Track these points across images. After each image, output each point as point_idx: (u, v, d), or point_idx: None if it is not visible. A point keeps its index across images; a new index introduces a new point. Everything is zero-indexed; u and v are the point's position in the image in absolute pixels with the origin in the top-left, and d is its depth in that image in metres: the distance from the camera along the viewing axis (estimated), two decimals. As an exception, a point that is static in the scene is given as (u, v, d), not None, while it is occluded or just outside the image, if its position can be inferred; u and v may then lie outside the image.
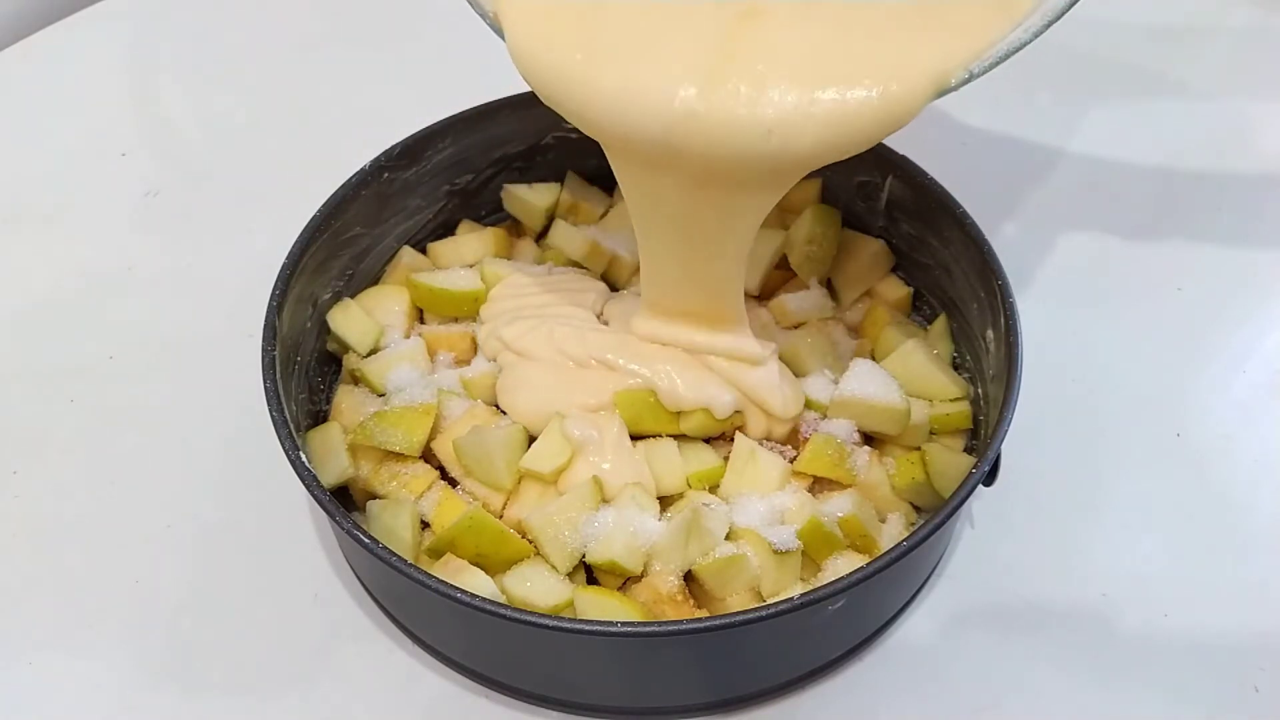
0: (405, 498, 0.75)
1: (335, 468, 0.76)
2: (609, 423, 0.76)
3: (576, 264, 0.88)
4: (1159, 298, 0.95)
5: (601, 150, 0.70)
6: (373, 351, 0.83)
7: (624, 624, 0.64)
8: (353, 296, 0.86)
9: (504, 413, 0.79)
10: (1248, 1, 1.21)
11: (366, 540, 0.65)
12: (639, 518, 0.72)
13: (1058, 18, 0.63)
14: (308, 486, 0.69)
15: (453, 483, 0.77)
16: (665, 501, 0.75)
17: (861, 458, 0.77)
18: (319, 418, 0.82)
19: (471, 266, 0.87)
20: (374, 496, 0.76)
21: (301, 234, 0.79)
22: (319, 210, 0.81)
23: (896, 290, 0.88)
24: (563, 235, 0.89)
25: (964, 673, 0.74)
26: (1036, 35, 0.63)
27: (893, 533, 0.75)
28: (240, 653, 0.75)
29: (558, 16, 0.67)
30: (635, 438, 0.77)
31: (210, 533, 0.81)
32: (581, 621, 0.66)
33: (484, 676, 0.74)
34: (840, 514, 0.73)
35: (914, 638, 0.76)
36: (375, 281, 0.88)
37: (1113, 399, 0.88)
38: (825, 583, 0.67)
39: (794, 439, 0.79)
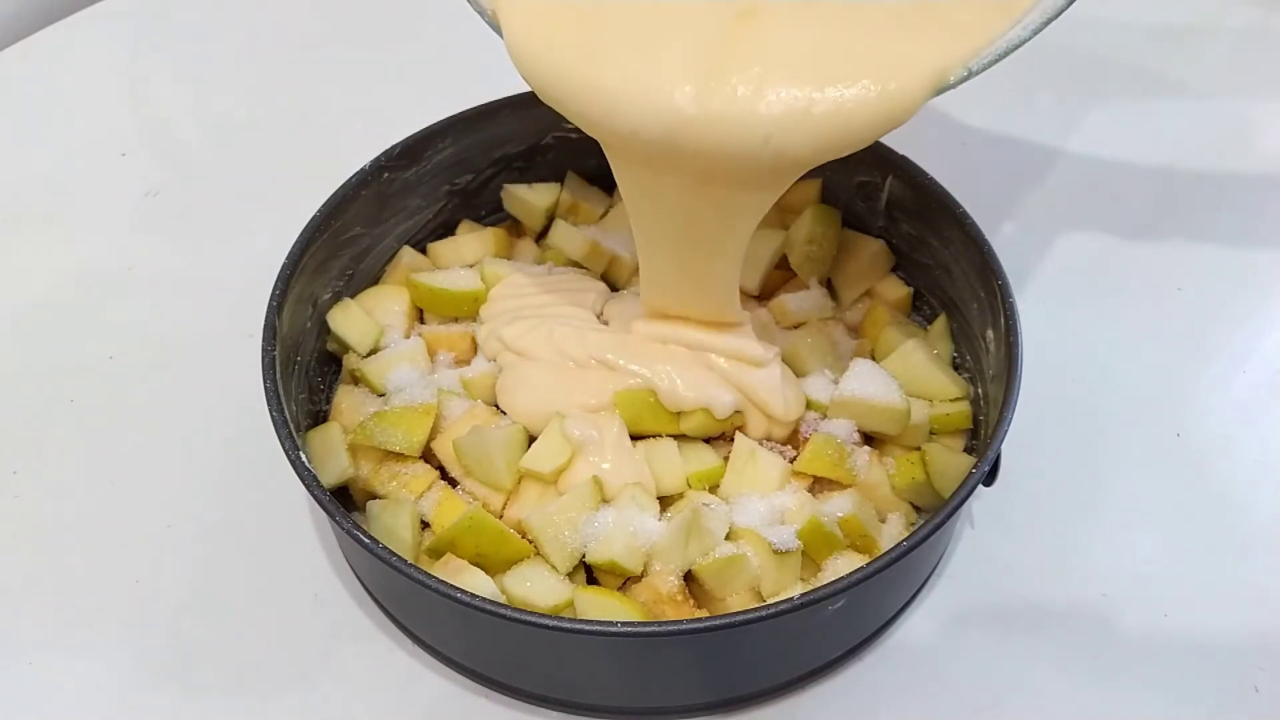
0: (405, 498, 0.75)
1: (335, 468, 0.76)
2: (609, 423, 0.76)
3: (576, 264, 0.88)
4: (1159, 298, 0.95)
5: (602, 150, 0.70)
6: (373, 351, 0.83)
7: (624, 624, 0.64)
8: (353, 296, 0.86)
9: (504, 413, 0.79)
10: (1248, 1, 1.21)
11: (366, 540, 0.65)
12: (639, 518, 0.72)
13: (1056, 15, 0.63)
14: (308, 486, 0.69)
15: (453, 483, 0.77)
16: (665, 501, 0.75)
17: (861, 458, 0.77)
18: (319, 418, 0.82)
19: (471, 266, 0.87)
20: (374, 496, 0.76)
21: (301, 234, 0.79)
22: (319, 210, 0.81)
23: (896, 290, 0.88)
24: (563, 235, 0.89)
25: (964, 673, 0.74)
26: (1035, 33, 0.63)
27: (893, 533, 0.75)
28: (240, 653, 0.75)
29: (556, 14, 0.67)
30: (635, 438, 0.77)
31: (210, 533, 0.81)
32: (581, 621, 0.66)
33: (484, 676, 0.74)
34: (840, 514, 0.73)
35: (914, 638, 0.76)
36: (375, 281, 0.88)
37: (1113, 399, 0.88)
38: (825, 583, 0.67)
39: (794, 439, 0.79)
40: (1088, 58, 1.14)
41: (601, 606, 0.69)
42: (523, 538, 0.72)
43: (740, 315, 0.78)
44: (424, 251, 0.90)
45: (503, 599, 0.69)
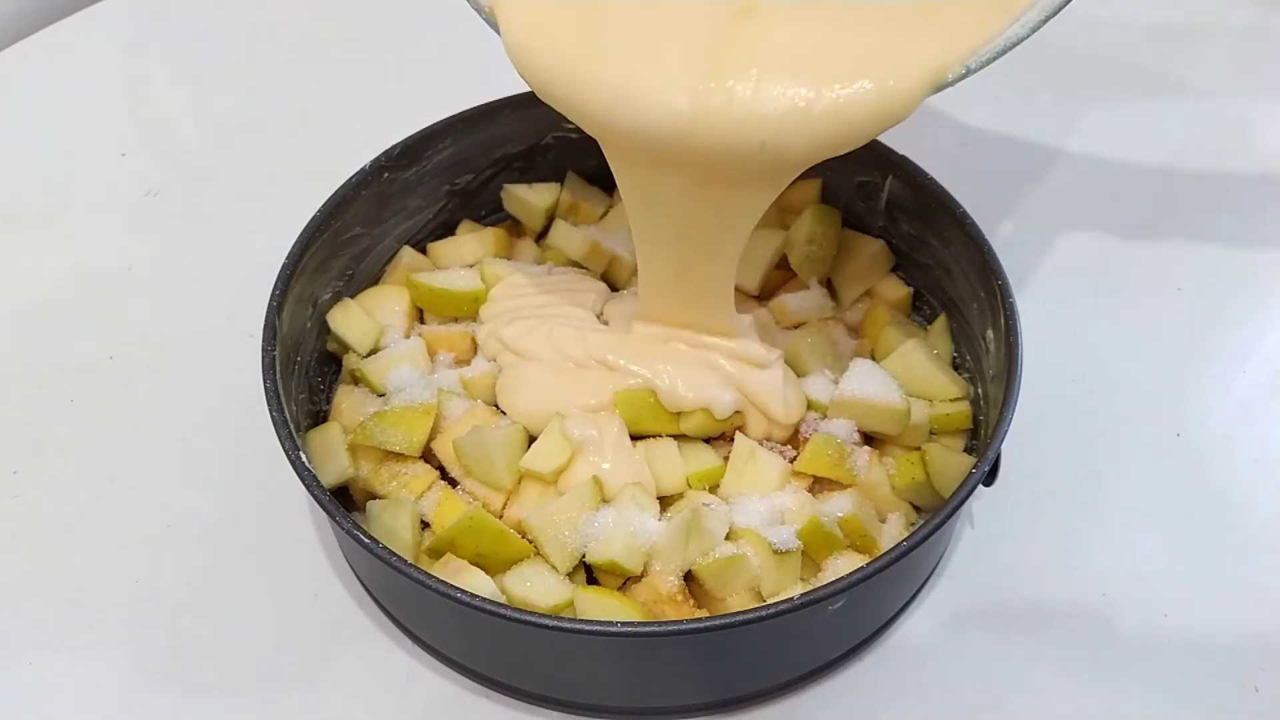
0: (405, 498, 0.75)
1: (335, 468, 0.76)
2: (609, 423, 0.76)
3: (576, 264, 0.88)
4: (1159, 298, 0.95)
5: (602, 150, 0.70)
6: (373, 351, 0.83)
7: (624, 624, 0.64)
8: (353, 296, 0.86)
9: (504, 413, 0.79)
10: (1248, 1, 1.21)
11: (366, 540, 0.65)
12: (639, 518, 0.72)
13: (1054, 13, 0.63)
14: (308, 486, 0.69)
15: (453, 483, 0.77)
16: (665, 501, 0.75)
17: (861, 458, 0.77)
18: (319, 418, 0.82)
19: (471, 266, 0.87)
20: (374, 496, 0.76)
21: (301, 234, 0.79)
22: (319, 210, 0.81)
23: (896, 290, 0.88)
24: (563, 235, 0.89)
25: (964, 673, 0.74)
26: (1033, 30, 0.63)
27: (893, 533, 0.75)
28: (240, 653, 0.75)
29: (554, 12, 0.67)
30: (635, 438, 0.77)
31: (210, 533, 0.81)
32: (581, 621, 0.66)
33: (484, 676, 0.74)
34: (840, 514, 0.73)
35: (914, 638, 0.76)
36: (375, 281, 0.88)
37: (1113, 399, 0.88)
38: (825, 583, 0.67)
39: (794, 439, 0.79)
40: (1088, 58, 1.14)
41: (601, 606, 0.69)
42: (523, 538, 0.72)
43: (734, 323, 0.77)
44: (424, 251, 0.90)
45: (503, 599, 0.69)
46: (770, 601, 0.66)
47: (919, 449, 0.78)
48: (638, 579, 0.72)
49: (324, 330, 0.84)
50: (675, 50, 0.64)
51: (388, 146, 0.84)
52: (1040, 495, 0.82)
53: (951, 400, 0.80)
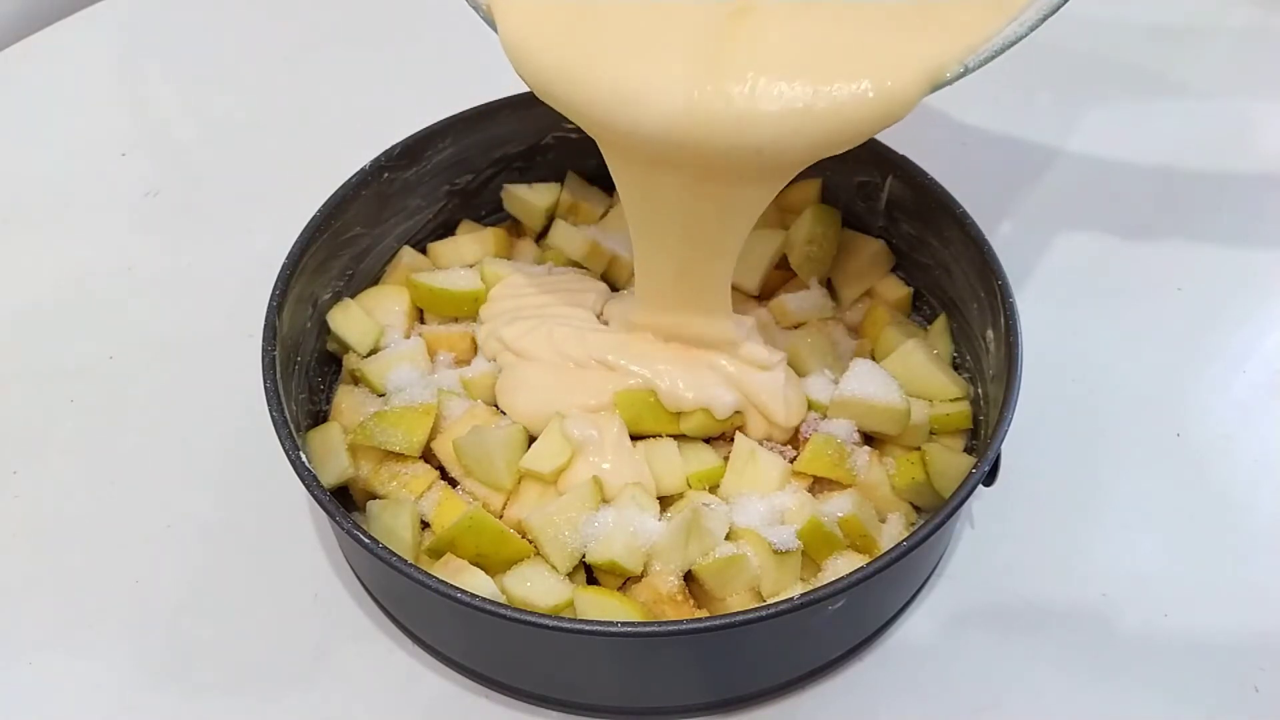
0: (405, 498, 0.75)
1: (335, 468, 0.76)
2: (609, 423, 0.76)
3: (576, 264, 0.88)
4: (1159, 298, 0.95)
5: (600, 150, 0.70)
6: (373, 351, 0.83)
7: (624, 624, 0.64)
8: (353, 296, 0.86)
9: (504, 413, 0.79)
10: (1248, 1, 1.21)
11: (366, 540, 0.65)
12: (639, 518, 0.72)
13: (1052, 12, 0.63)
14: (308, 486, 0.69)
15: (453, 483, 0.77)
16: (665, 501, 0.75)
17: (861, 458, 0.77)
18: (319, 418, 0.82)
19: (471, 266, 0.87)
20: (374, 496, 0.76)
21: (301, 234, 0.79)
22: (319, 210, 0.81)
23: (896, 290, 0.88)
24: (563, 235, 0.89)
25: (964, 673, 0.74)
26: (1031, 30, 0.63)
27: (893, 533, 0.75)
28: (240, 653, 0.75)
29: (551, 10, 0.67)
30: (635, 438, 0.77)
31: (210, 533, 0.81)
32: (581, 621, 0.66)
33: (484, 676, 0.74)
34: (840, 514, 0.73)
35: (914, 638, 0.76)
36: (375, 281, 0.88)
37: (1113, 399, 0.88)
38: (825, 583, 0.67)
39: (794, 439, 0.79)
40: (1088, 57, 1.14)
41: (601, 606, 0.69)
42: (523, 538, 0.72)
43: (731, 323, 0.77)
44: (424, 251, 0.90)
45: (503, 599, 0.69)
46: (770, 601, 0.66)
47: (919, 449, 0.78)
48: (638, 579, 0.72)
49: (324, 330, 0.84)
50: (673, 50, 0.64)
51: (388, 146, 0.84)
52: (1040, 495, 0.82)
53: (951, 400, 0.80)
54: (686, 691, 0.72)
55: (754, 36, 0.64)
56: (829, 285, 0.88)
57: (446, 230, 0.92)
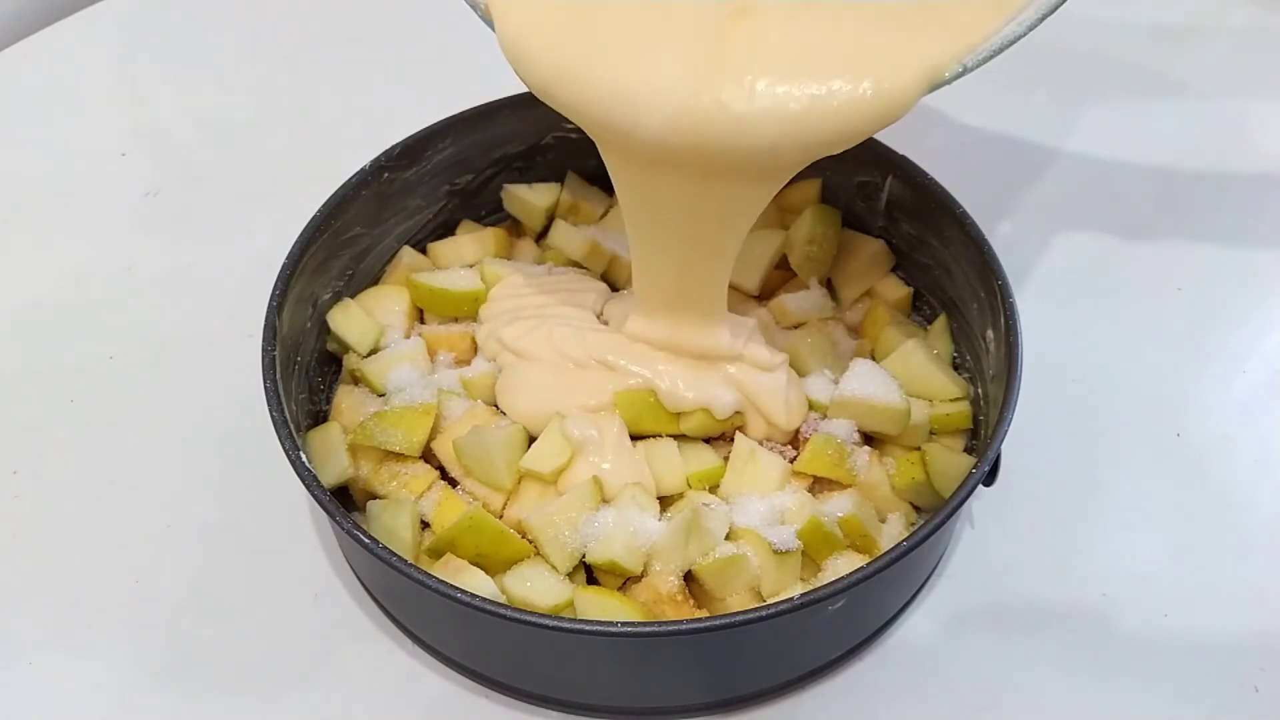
0: (405, 498, 0.75)
1: (335, 468, 0.76)
2: (609, 423, 0.76)
3: (576, 264, 0.88)
4: (1159, 298, 0.95)
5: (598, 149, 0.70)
6: (373, 351, 0.83)
7: (624, 624, 0.64)
8: (353, 296, 0.86)
9: (504, 413, 0.79)
10: (1248, 1, 1.21)
11: (366, 540, 0.65)
12: (639, 518, 0.72)
13: (1051, 11, 0.63)
14: (308, 486, 0.69)
15: (453, 483, 0.77)
16: (665, 501, 0.75)
17: (861, 458, 0.77)
18: (319, 418, 0.82)
19: (471, 266, 0.87)
20: (374, 496, 0.76)
21: (301, 234, 0.79)
22: (319, 210, 0.81)
23: (896, 290, 0.88)
24: (563, 235, 0.89)
25: (964, 673, 0.74)
26: (1030, 29, 0.63)
27: (893, 533, 0.75)
28: (240, 653, 0.75)
29: (549, 10, 0.67)
30: (635, 438, 0.77)
31: (210, 533, 0.81)
32: (581, 621, 0.66)
33: (484, 676, 0.74)
34: (840, 514, 0.73)
35: (914, 638, 0.76)
36: (375, 281, 0.88)
37: (1113, 399, 0.88)
38: (825, 583, 0.67)
39: (794, 439, 0.79)
40: (1087, 57, 1.14)
41: (601, 606, 0.69)
42: (523, 538, 0.72)
43: (729, 324, 0.77)
44: (424, 251, 0.90)
45: (503, 599, 0.69)
46: (770, 601, 0.66)
47: (919, 449, 0.78)
48: (638, 579, 0.72)
49: (324, 330, 0.84)
50: (672, 50, 0.64)
51: (388, 146, 0.84)
52: (1040, 495, 0.82)
53: (951, 400, 0.80)
54: (686, 691, 0.72)
55: (753, 36, 0.64)
56: (829, 285, 0.88)
57: (446, 230, 0.92)
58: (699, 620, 0.65)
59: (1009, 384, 0.71)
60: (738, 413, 0.77)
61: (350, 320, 0.84)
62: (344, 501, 0.78)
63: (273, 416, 0.71)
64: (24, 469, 0.85)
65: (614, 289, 0.87)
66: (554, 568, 0.71)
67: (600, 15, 0.66)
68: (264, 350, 0.74)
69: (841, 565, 0.72)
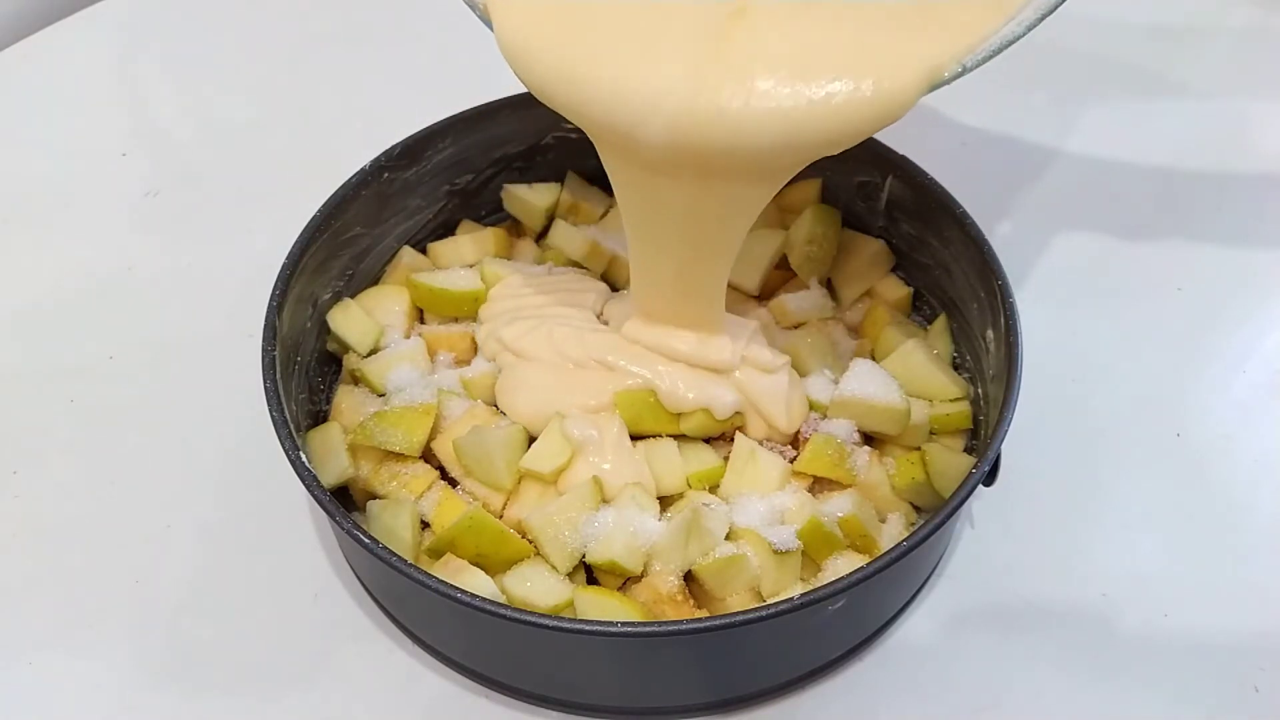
0: (405, 498, 0.75)
1: (335, 468, 0.76)
2: (609, 423, 0.76)
3: (576, 264, 0.88)
4: (1159, 298, 0.95)
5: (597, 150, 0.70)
6: (373, 351, 0.83)
7: (624, 624, 0.64)
8: (353, 296, 0.86)
9: (504, 413, 0.79)
10: (1248, 1, 1.21)
11: (366, 540, 0.65)
12: (639, 518, 0.72)
13: (1050, 11, 0.63)
14: (308, 486, 0.69)
15: (453, 483, 0.77)
16: (665, 501, 0.75)
17: (861, 458, 0.77)
18: (319, 418, 0.82)
19: (471, 266, 0.87)
20: (374, 496, 0.76)
21: (301, 234, 0.79)
22: (319, 210, 0.81)
23: (896, 290, 0.88)
24: (563, 235, 0.89)
25: (964, 673, 0.74)
26: (1029, 29, 0.63)
27: (893, 533, 0.75)
28: (240, 653, 0.75)
29: (548, 9, 0.67)
30: (635, 438, 0.77)
31: (210, 533, 0.81)
32: (581, 621, 0.66)
33: (484, 676, 0.74)
34: (840, 514, 0.73)
35: (914, 638, 0.76)
36: (375, 281, 0.88)
37: (1113, 399, 0.88)
38: (825, 583, 0.67)
39: (794, 439, 0.79)
40: (1087, 57, 1.14)
41: (601, 606, 0.69)
42: (523, 538, 0.72)
43: (727, 325, 0.77)
44: (424, 251, 0.90)
45: (503, 599, 0.69)
46: (770, 601, 0.66)
47: (919, 449, 0.78)
48: (638, 579, 0.72)
49: (324, 330, 0.84)
50: (672, 50, 0.64)
51: (388, 146, 0.84)
52: (1040, 495, 0.82)
53: (951, 400, 0.80)
54: (686, 691, 0.72)
55: (753, 37, 0.64)
56: (829, 285, 0.88)
57: (446, 230, 0.92)
58: (699, 620, 0.65)
59: (1009, 384, 0.71)
60: (738, 413, 0.77)
61: (350, 320, 0.84)
62: (344, 501, 0.78)
63: (273, 416, 0.71)
64: (24, 469, 0.85)
65: (614, 289, 0.87)
66: (554, 568, 0.71)
67: (599, 15, 0.66)
68: (264, 350, 0.74)
69: (841, 565, 0.72)
